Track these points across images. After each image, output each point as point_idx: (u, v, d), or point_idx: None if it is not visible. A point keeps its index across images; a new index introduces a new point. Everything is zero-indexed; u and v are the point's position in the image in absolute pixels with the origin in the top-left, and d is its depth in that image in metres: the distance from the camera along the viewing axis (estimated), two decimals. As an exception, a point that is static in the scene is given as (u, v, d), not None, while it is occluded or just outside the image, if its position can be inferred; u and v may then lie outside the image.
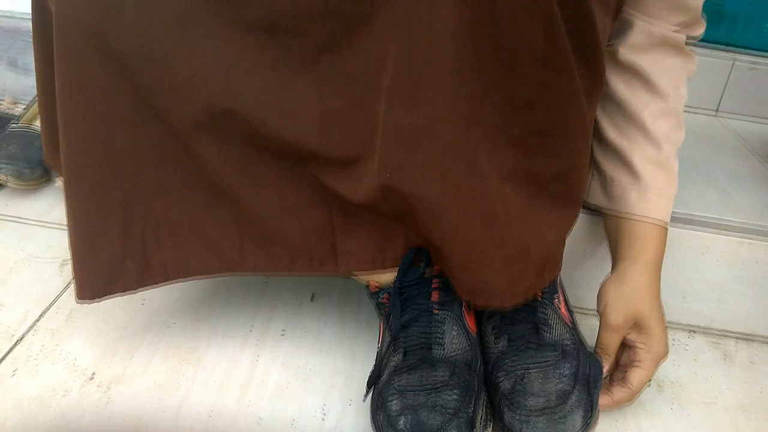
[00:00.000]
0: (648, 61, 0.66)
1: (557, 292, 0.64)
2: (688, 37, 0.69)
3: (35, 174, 0.92)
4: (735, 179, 0.92)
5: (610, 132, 0.68)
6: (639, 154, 0.66)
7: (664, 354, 0.63)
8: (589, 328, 0.74)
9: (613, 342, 0.63)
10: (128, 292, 0.60)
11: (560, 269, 0.63)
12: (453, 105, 0.49)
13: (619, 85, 0.67)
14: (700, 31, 0.69)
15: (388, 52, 0.49)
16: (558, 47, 0.48)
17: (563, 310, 0.64)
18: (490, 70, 0.48)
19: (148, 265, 0.59)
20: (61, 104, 0.52)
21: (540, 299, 0.62)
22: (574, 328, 0.64)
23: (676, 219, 0.79)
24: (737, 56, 1.14)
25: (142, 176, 0.54)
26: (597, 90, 0.55)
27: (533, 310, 0.61)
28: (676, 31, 0.66)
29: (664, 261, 0.67)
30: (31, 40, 1.19)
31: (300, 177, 0.56)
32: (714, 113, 1.17)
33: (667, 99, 0.67)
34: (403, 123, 0.50)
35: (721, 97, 1.15)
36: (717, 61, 1.14)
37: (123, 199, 0.55)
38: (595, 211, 0.73)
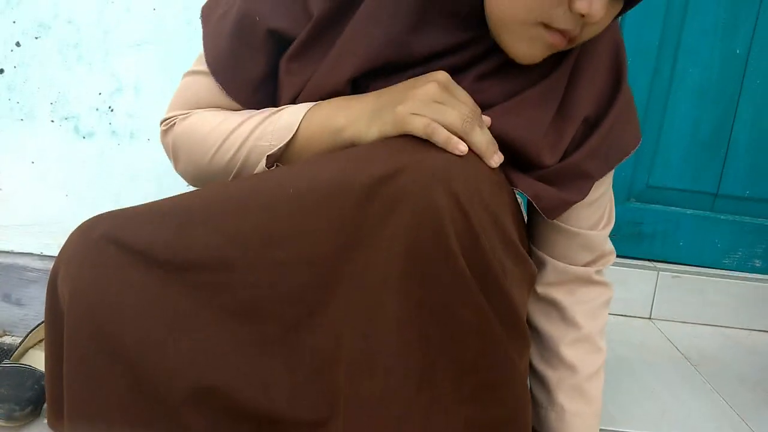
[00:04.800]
0: (563, 295, 0.77)
1: None
2: (597, 271, 0.80)
3: (25, 413, 0.97)
4: (671, 388, 1.02)
5: (534, 358, 0.79)
6: (557, 379, 0.76)
7: None
8: None
9: None
10: None
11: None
12: (404, 375, 0.58)
13: (539, 316, 0.78)
14: (609, 263, 0.81)
15: (346, 331, 0.60)
16: (487, 322, 0.59)
17: None
18: (435, 345, 0.58)
19: None
20: (68, 386, 0.60)
21: None
22: None
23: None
24: (661, 268, 1.30)
25: (139, 454, 0.62)
26: (525, 347, 0.65)
27: None
28: (584, 267, 0.78)
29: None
30: (23, 276, 1.29)
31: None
32: (648, 318, 1.30)
33: (581, 328, 0.77)
34: (362, 392, 0.59)
35: (652, 304, 1.29)
36: (644, 272, 1.29)
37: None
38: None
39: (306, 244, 0.60)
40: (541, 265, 0.78)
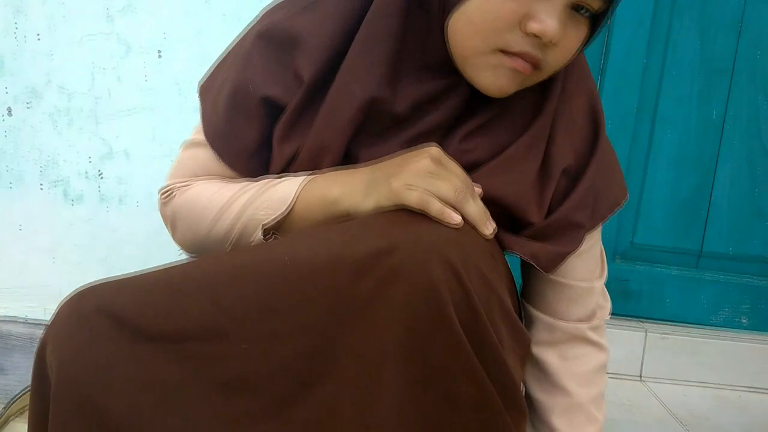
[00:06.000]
0: (554, 357, 0.76)
1: None
2: (591, 327, 0.78)
3: (2, 489, 0.93)
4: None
5: (527, 427, 0.76)
6: None
7: None
8: None
9: None
10: None
11: None
12: (403, 451, 0.58)
13: (530, 381, 0.77)
14: (605, 317, 0.79)
15: (343, 404, 0.59)
16: (486, 393, 0.59)
17: None
18: (435, 418, 0.58)
19: None
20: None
21: None
22: None
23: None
24: (648, 327, 1.31)
25: None
26: (522, 419, 0.65)
27: None
28: (577, 323, 0.76)
29: None
30: (7, 343, 1.27)
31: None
32: (638, 378, 1.30)
33: (572, 395, 0.75)
34: None
35: (642, 363, 1.29)
36: (632, 332, 1.30)
37: None
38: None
39: (301, 315, 0.59)
40: (530, 322, 0.77)
